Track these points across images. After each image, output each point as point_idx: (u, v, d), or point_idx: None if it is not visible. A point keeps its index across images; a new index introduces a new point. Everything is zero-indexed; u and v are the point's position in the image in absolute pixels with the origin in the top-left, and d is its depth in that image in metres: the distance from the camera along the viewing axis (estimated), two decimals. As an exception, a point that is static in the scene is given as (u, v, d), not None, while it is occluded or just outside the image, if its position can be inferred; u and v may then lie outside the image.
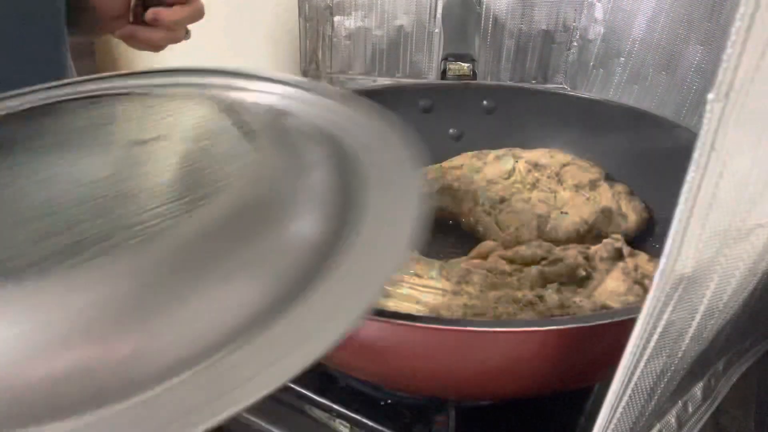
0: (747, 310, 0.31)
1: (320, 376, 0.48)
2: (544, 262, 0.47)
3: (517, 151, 0.65)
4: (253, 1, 1.14)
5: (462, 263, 0.50)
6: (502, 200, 0.60)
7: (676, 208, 0.22)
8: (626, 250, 0.50)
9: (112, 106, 0.39)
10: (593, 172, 0.61)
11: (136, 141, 0.34)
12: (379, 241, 0.27)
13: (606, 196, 0.59)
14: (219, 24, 1.21)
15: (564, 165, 0.63)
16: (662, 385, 0.28)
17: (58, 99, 0.41)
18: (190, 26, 0.80)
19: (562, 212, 0.57)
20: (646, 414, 0.29)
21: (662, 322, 0.25)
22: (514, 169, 0.63)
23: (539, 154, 0.64)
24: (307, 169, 0.30)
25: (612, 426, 0.28)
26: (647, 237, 0.59)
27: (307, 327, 0.24)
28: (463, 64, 0.73)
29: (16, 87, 0.57)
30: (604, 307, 0.43)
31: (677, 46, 0.74)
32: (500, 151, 0.65)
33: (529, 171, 0.63)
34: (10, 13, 0.61)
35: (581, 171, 0.61)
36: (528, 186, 0.62)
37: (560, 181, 0.61)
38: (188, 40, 1.39)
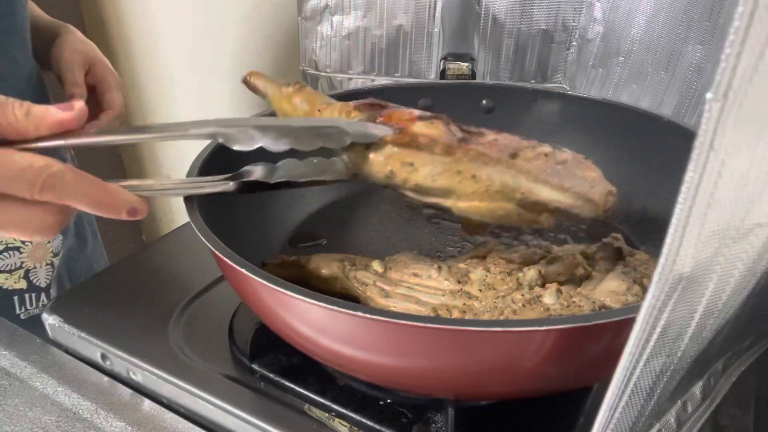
0: (746, 310, 0.31)
1: (320, 376, 0.48)
2: (543, 262, 0.47)
3: (517, 150, 0.65)
4: (252, 0, 1.14)
5: (462, 263, 0.50)
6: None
7: (675, 207, 0.22)
8: (626, 249, 0.50)
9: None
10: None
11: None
12: None
13: None
14: (219, 24, 1.21)
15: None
16: (661, 385, 0.28)
17: None
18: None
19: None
20: (646, 414, 0.29)
21: (661, 322, 0.25)
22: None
23: (538, 154, 0.64)
24: None
25: (611, 426, 0.28)
26: (647, 236, 0.59)
27: None
28: (462, 63, 0.73)
29: None
30: (604, 306, 0.43)
31: (676, 45, 0.74)
32: (499, 151, 0.65)
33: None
34: None
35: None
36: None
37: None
38: (190, 40, 1.40)
